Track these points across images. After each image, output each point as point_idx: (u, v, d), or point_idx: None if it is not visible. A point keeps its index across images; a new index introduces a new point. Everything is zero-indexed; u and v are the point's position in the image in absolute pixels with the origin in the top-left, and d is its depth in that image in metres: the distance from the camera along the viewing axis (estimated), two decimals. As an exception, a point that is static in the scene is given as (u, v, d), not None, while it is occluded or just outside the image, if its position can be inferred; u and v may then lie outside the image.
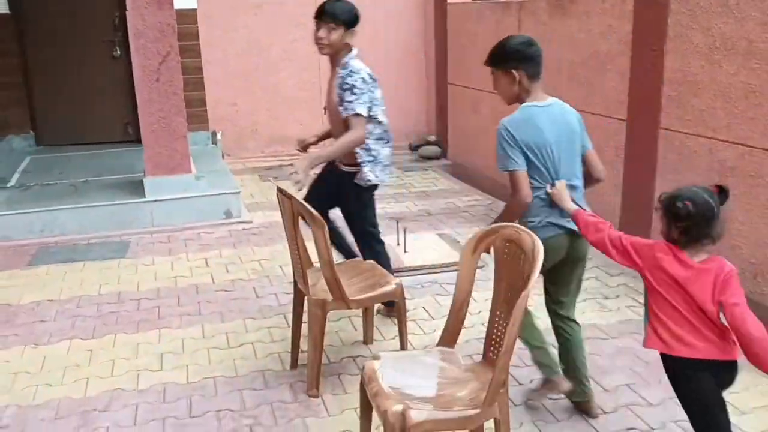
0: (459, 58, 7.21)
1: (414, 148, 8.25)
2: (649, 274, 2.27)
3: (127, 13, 5.24)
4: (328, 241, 3.02)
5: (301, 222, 3.15)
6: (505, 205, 2.86)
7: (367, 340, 3.66)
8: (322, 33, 3.46)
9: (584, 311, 3.96)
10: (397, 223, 5.13)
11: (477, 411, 2.15)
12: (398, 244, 4.91)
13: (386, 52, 8.05)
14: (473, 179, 6.89)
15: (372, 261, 3.58)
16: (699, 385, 2.21)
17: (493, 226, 2.48)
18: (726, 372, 2.27)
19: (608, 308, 4.01)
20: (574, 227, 2.66)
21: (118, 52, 7.45)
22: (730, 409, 2.96)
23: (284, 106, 8.04)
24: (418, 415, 2.11)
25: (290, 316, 3.72)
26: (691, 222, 2.21)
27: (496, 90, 2.92)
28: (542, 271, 2.49)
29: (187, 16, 7.07)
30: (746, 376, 3.25)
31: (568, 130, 2.78)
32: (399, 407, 2.13)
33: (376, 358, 2.48)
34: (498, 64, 2.83)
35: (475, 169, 6.92)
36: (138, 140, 7.40)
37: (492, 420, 2.27)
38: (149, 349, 3.64)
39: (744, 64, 3.67)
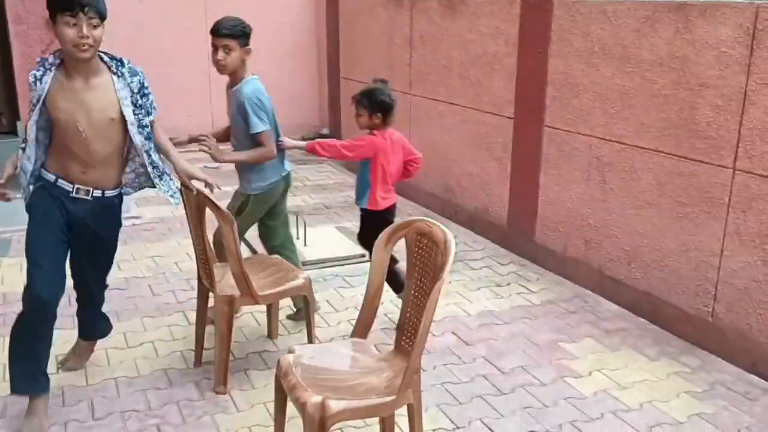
0: (352, 53, 7.30)
1: (307, 140, 8.25)
2: (377, 156, 3.64)
3: (4, -3, 4.93)
4: (237, 236, 3.02)
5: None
6: (259, 153, 3.52)
7: (272, 334, 3.68)
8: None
9: (479, 299, 4.19)
10: (297, 216, 5.16)
11: (392, 398, 2.25)
12: (298, 238, 4.93)
13: (278, 45, 8.00)
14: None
15: (277, 256, 3.60)
16: (383, 224, 2.83)
17: (405, 220, 2.58)
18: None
19: (500, 295, 4.25)
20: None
21: (-11, 37, 6.94)
22: (612, 384, 3.26)
23: (172, 97, 7.79)
24: (336, 404, 2.19)
25: (191, 314, 3.68)
26: (392, 109, 3.68)
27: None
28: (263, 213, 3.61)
29: (68, 1, 6.70)
30: (625, 353, 3.59)
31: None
32: (318, 398, 2.19)
33: (291, 351, 2.52)
34: None
35: (369, 163, 7.04)
36: (12, 132, 6.96)
37: (405, 407, 2.38)
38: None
39: (619, 68, 3.99)
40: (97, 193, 2.87)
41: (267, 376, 3.25)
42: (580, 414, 3.02)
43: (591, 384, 3.26)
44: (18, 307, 3.95)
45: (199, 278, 3.35)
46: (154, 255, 4.83)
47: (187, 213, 3.25)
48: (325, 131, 8.21)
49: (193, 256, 3.41)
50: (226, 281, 3.18)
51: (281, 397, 2.51)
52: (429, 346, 3.60)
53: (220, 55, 3.53)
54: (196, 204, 3.07)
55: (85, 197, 2.85)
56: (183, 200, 3.22)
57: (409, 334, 2.52)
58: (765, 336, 3.32)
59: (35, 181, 2.85)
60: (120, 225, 3.10)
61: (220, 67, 3.55)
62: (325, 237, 5.11)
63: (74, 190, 2.83)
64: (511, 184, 5.01)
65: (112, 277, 4.37)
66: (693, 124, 3.58)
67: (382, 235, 2.53)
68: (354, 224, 5.51)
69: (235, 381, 3.24)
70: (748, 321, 3.40)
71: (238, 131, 3.60)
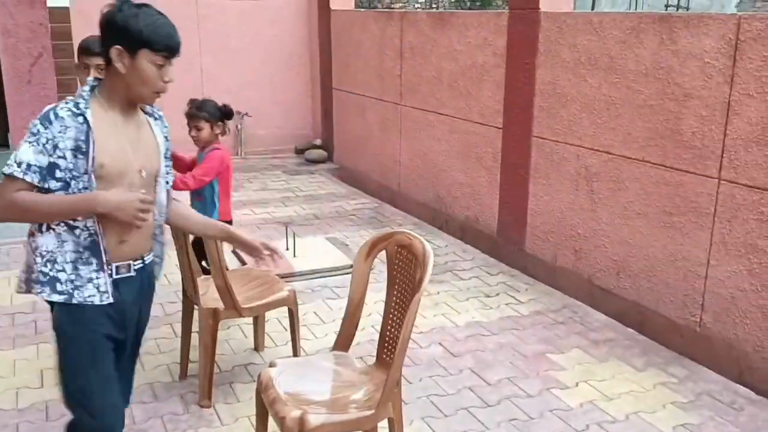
0: (344, 64, 7.32)
1: (300, 151, 8.28)
2: (227, 168, 3.66)
3: (-7, 10, 4.94)
4: (221, 249, 3.02)
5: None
6: None
7: (258, 347, 3.67)
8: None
9: (467, 309, 4.18)
10: (286, 227, 5.16)
11: (372, 412, 2.24)
12: (287, 249, 4.93)
13: (270, 56, 8.02)
14: (359, 183, 7.03)
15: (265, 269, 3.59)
16: None
17: (385, 232, 2.58)
18: None
19: (489, 306, 4.24)
20: None
21: (-19, 50, 6.96)
22: (598, 395, 3.25)
23: (165, 108, 7.80)
24: (315, 419, 2.18)
25: (177, 326, 3.67)
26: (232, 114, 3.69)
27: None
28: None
29: (60, 14, 6.72)
30: (613, 364, 3.58)
31: None
32: (297, 413, 2.19)
33: (272, 365, 2.51)
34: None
35: (361, 173, 7.05)
36: (4, 144, 6.97)
37: (386, 420, 2.37)
38: (28, 365, 3.46)
39: (606, 78, 4.01)
40: (138, 264, 2.20)
41: (252, 389, 3.22)
42: (565, 426, 3.01)
43: (577, 395, 3.25)
44: (5, 321, 3.94)
45: (184, 291, 3.34)
46: (143, 267, 4.81)
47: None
48: (318, 142, 8.22)
49: (180, 269, 3.40)
50: (210, 294, 3.18)
51: (263, 411, 2.50)
52: (415, 357, 3.59)
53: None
54: (180, 217, 3.06)
55: (129, 274, 2.17)
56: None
57: (390, 346, 2.51)
58: (751, 345, 3.32)
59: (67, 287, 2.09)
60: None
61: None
62: (313, 247, 5.10)
63: (114, 271, 2.13)
64: (500, 194, 5.01)
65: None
66: (678, 134, 3.59)
67: (362, 248, 2.52)
68: (345, 234, 5.52)
69: (220, 394, 3.23)
70: (735, 330, 3.40)
71: None
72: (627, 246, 3.97)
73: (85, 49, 3.51)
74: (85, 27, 7.13)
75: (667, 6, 11.58)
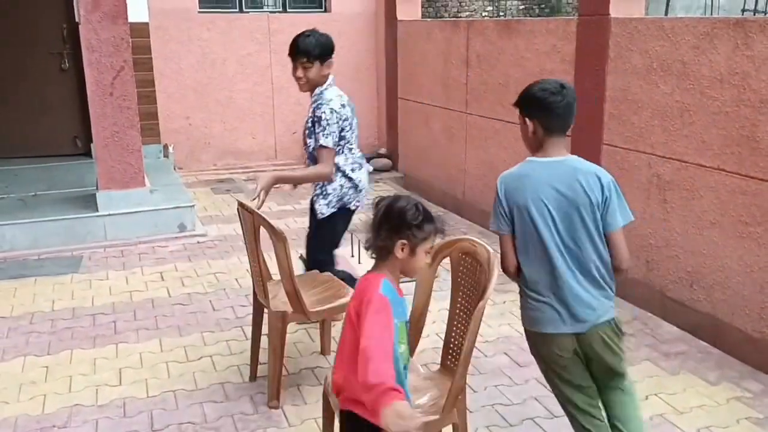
0: (409, 74, 7.38)
1: (366, 160, 8.37)
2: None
3: (79, 26, 5.22)
4: (290, 254, 3.10)
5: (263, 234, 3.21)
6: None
7: (324, 350, 3.74)
8: (299, 72, 3.55)
9: (500, 324, 4.11)
10: (351, 234, 5.22)
11: (438, 417, 2.26)
12: (352, 256, 5.00)
13: (337, 67, 8.12)
14: (424, 191, 7.05)
15: (329, 273, 3.67)
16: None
17: (449, 239, 2.59)
18: None
19: (556, 316, 4.18)
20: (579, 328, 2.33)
21: (67, 65, 7.36)
22: (669, 409, 3.17)
23: (237, 120, 8.07)
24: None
25: (248, 329, 3.78)
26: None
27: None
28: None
29: (139, 30, 7.05)
30: (684, 377, 3.49)
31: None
32: None
33: (337, 369, 2.56)
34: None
35: (426, 181, 7.08)
36: (87, 153, 7.35)
37: (450, 425, 2.39)
38: (107, 364, 3.64)
39: (679, 85, 3.91)
40: None
41: (318, 391, 3.29)
42: (634, 439, 2.94)
43: (648, 408, 3.17)
44: (86, 321, 4.16)
45: (255, 294, 3.45)
46: (216, 271, 4.98)
47: (243, 231, 3.35)
48: (383, 150, 8.30)
49: (252, 273, 3.50)
50: (279, 297, 3.26)
51: (329, 414, 2.55)
52: (481, 366, 3.58)
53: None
54: (251, 223, 3.17)
55: None
56: (240, 219, 3.34)
57: (454, 353, 2.52)
58: (835, 362, 3.17)
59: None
60: None
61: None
62: (380, 255, 5.14)
63: None
64: (568, 203, 4.94)
65: (177, 292, 4.56)
66: (755, 141, 3.47)
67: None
68: (410, 243, 5.54)
69: (288, 396, 3.31)
70: (816, 346, 3.25)
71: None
72: (701, 257, 3.86)
73: None
74: (163, 41, 7.48)
75: (743, 11, 11.19)
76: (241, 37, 7.84)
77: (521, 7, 10.92)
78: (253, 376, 3.47)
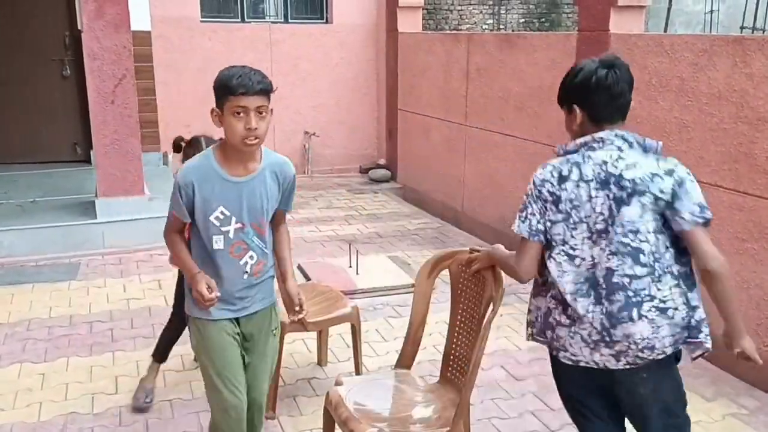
0: (410, 86, 7.41)
1: (364, 171, 8.39)
2: None
3: (82, 34, 5.24)
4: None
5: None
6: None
7: (321, 361, 3.73)
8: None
9: (497, 338, 4.13)
10: (350, 245, 5.24)
11: (447, 429, 2.26)
12: (350, 267, 5.01)
13: (337, 78, 8.19)
14: (422, 202, 7.07)
15: (329, 285, 3.66)
16: None
17: (448, 251, 2.61)
18: None
19: (553, 330, 4.19)
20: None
21: (68, 72, 7.38)
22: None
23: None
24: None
25: (246, 339, 3.77)
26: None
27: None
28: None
29: (142, 38, 7.07)
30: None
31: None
32: (374, 430, 2.23)
33: (338, 383, 2.56)
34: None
35: (425, 193, 7.10)
36: (86, 160, 7.35)
37: (446, 438, 2.38)
38: (103, 372, 3.63)
39: (677, 101, 3.94)
40: None
41: (315, 402, 3.30)
42: (630, 454, 2.94)
43: (643, 423, 3.17)
44: (83, 329, 4.15)
45: (253, 305, 3.44)
46: (213, 281, 4.97)
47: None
48: (382, 161, 8.32)
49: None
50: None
51: (330, 427, 2.55)
52: (477, 380, 3.55)
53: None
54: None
55: None
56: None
57: (455, 365, 2.53)
58: (831, 380, 3.18)
59: None
60: None
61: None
62: (375, 265, 5.16)
63: None
64: (566, 217, 4.95)
65: (173, 300, 4.55)
66: (752, 158, 3.49)
67: (425, 266, 2.56)
68: (407, 253, 5.56)
69: (284, 406, 3.30)
70: (812, 363, 3.25)
71: None
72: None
73: None
74: (164, 50, 7.50)
75: (742, 28, 11.26)
76: (243, 47, 7.86)
77: (522, 20, 10.97)
78: (250, 386, 3.46)
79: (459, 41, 6.30)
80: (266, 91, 2.26)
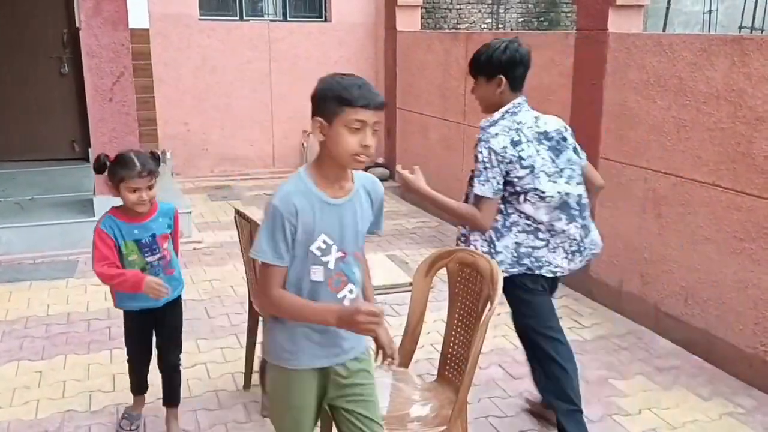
0: (408, 84, 7.41)
1: (363, 169, 8.38)
2: None
3: (80, 32, 5.23)
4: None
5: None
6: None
7: (320, 360, 3.72)
8: (473, 89, 2.88)
9: (494, 336, 4.11)
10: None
11: (444, 428, 2.26)
12: (349, 266, 5.00)
13: (337, 76, 8.19)
14: (420, 201, 7.07)
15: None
16: None
17: (445, 249, 2.61)
18: None
19: (550, 329, 4.19)
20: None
21: (66, 69, 7.37)
22: (661, 423, 3.17)
23: (235, 127, 8.08)
24: (385, 434, 2.21)
25: (242, 337, 3.77)
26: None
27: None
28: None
29: (140, 36, 7.07)
30: (677, 392, 3.50)
31: None
32: None
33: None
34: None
35: (424, 192, 7.09)
36: (84, 158, 7.35)
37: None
38: (101, 370, 3.63)
39: (675, 100, 3.94)
40: None
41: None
42: (627, 453, 2.95)
43: (640, 423, 3.18)
44: (81, 327, 4.15)
45: (250, 302, 3.45)
46: (211, 279, 4.98)
47: (240, 240, 3.36)
48: (380, 160, 8.32)
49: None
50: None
51: (328, 426, 2.54)
52: (474, 378, 3.57)
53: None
54: (248, 230, 3.18)
55: None
56: (236, 226, 3.34)
57: (452, 363, 2.53)
58: (828, 379, 3.18)
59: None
60: None
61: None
62: (374, 264, 5.12)
63: None
64: (564, 216, 4.96)
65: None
66: (750, 158, 3.50)
67: (422, 265, 2.56)
68: (405, 252, 5.56)
69: (282, 405, 3.30)
70: (809, 363, 3.27)
71: None
72: (695, 272, 3.87)
73: None
74: (163, 47, 7.50)
75: (741, 28, 11.27)
76: (241, 45, 7.86)
77: (520, 19, 10.98)
78: (247, 385, 3.46)
79: (458, 40, 6.30)
80: (384, 106, 1.97)
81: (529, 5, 11.01)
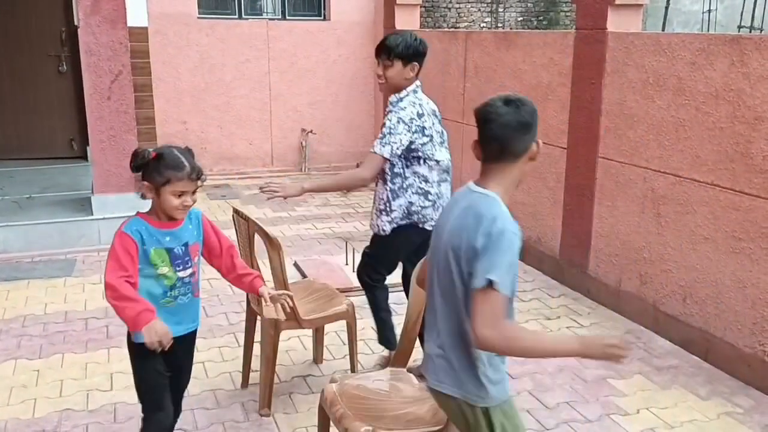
0: (407, 83, 7.40)
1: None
2: None
3: (78, 30, 5.22)
4: (284, 261, 3.10)
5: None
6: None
7: (317, 359, 3.73)
8: (378, 69, 3.31)
9: None
10: (346, 243, 5.24)
11: (440, 427, 2.26)
12: (347, 264, 5.00)
13: (334, 76, 8.18)
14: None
15: (325, 282, 3.66)
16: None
17: None
18: None
19: (549, 328, 4.19)
20: None
21: (65, 68, 7.36)
22: (660, 423, 3.17)
23: (234, 125, 8.07)
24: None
25: (241, 336, 3.76)
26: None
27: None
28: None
29: (138, 34, 7.04)
30: (676, 392, 3.49)
31: None
32: (368, 428, 2.22)
33: (333, 381, 2.55)
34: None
35: (422, 191, 7.09)
36: (82, 156, 7.34)
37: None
38: (99, 368, 3.62)
39: (674, 100, 3.94)
40: None
41: (310, 400, 3.30)
42: (625, 453, 2.95)
43: (638, 422, 3.18)
44: (78, 325, 4.14)
45: (248, 301, 3.44)
46: (209, 277, 4.94)
47: (238, 238, 3.35)
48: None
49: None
50: (272, 305, 3.25)
51: (325, 424, 2.54)
52: (473, 376, 3.58)
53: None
54: (246, 229, 3.17)
55: None
56: (235, 225, 3.34)
57: (447, 364, 2.52)
58: (826, 379, 3.18)
59: None
60: None
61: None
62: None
63: None
64: (563, 215, 4.96)
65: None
66: (749, 157, 3.49)
67: (422, 263, 2.55)
68: (405, 252, 5.55)
69: (279, 404, 3.30)
70: (808, 363, 3.26)
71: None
72: (694, 271, 3.87)
73: None
74: (161, 46, 7.48)
75: (740, 27, 11.27)
76: (240, 44, 7.85)
77: (519, 18, 10.97)
78: (245, 384, 3.46)
79: (457, 39, 6.29)
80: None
81: (529, 4, 11.00)
